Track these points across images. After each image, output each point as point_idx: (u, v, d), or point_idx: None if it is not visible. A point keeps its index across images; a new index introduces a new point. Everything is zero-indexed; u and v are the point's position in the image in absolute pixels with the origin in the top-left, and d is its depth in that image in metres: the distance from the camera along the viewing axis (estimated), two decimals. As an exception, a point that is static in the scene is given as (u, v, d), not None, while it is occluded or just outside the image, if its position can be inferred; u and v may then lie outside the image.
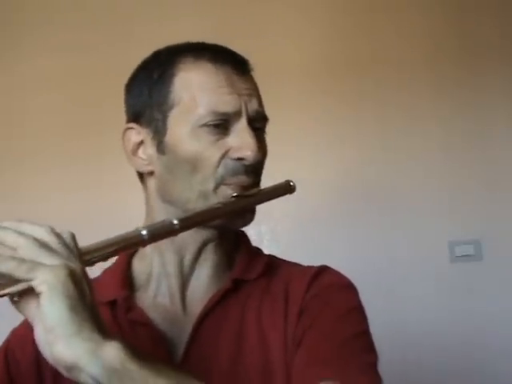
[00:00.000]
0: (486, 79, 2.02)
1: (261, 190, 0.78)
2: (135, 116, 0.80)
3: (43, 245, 0.55)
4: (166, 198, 0.79)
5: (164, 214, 0.78)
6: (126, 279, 0.81)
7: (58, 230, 0.58)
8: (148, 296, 0.80)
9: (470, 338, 1.90)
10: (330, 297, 0.76)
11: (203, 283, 0.79)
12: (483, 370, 1.89)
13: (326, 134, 1.96)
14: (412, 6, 2.06)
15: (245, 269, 0.80)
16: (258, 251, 0.86)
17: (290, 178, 0.82)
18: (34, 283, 0.52)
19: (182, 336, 0.75)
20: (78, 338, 0.51)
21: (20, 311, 0.56)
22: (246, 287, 0.79)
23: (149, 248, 0.78)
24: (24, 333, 0.76)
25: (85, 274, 0.56)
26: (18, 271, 0.52)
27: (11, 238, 0.55)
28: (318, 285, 0.77)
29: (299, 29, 2.04)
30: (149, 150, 0.79)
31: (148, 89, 0.78)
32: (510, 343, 1.91)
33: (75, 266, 0.55)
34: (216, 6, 2.09)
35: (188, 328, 0.75)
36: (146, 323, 0.76)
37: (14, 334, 0.81)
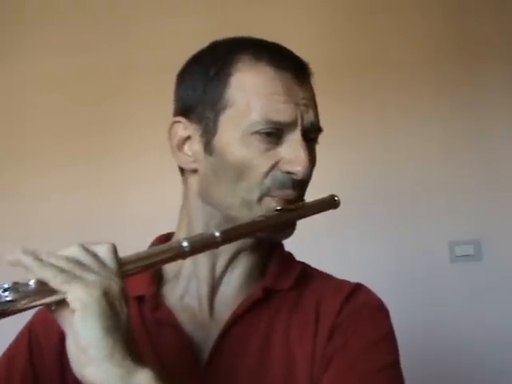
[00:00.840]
0: (485, 79, 2.02)
1: (305, 203, 0.76)
2: (185, 110, 0.77)
3: (78, 262, 0.54)
4: (207, 200, 0.76)
5: (202, 213, 0.76)
6: (155, 276, 0.79)
7: (93, 245, 0.57)
8: (175, 294, 0.78)
9: (471, 338, 1.90)
10: (362, 320, 0.74)
11: (233, 289, 0.77)
12: (483, 370, 1.89)
13: (325, 135, 1.96)
14: (412, 7, 2.06)
15: (276, 278, 0.78)
16: (290, 258, 0.83)
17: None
18: (67, 296, 0.51)
19: (207, 341, 0.74)
20: (109, 363, 0.50)
21: (57, 320, 0.55)
22: (277, 298, 0.76)
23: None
24: (49, 317, 0.75)
25: (123, 290, 0.55)
26: (55, 279, 0.51)
27: (54, 261, 0.53)
28: (351, 305, 0.75)
29: (299, 29, 2.04)
30: (195, 147, 0.76)
31: (203, 84, 0.75)
32: (511, 343, 1.91)
33: (112, 282, 0.54)
34: (216, 6, 2.09)
35: (214, 333, 0.74)
36: (172, 324, 0.75)
37: (39, 316, 0.78)
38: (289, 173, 0.72)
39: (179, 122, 0.77)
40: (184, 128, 0.76)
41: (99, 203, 2.01)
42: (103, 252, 0.56)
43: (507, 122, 2.01)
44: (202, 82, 0.75)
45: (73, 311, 0.51)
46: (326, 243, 1.92)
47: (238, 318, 0.74)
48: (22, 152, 2.10)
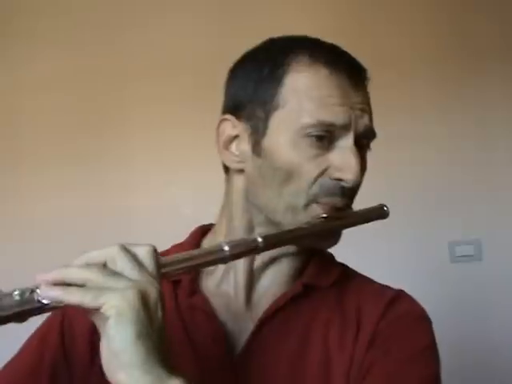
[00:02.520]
0: (486, 79, 2.02)
1: (353, 212, 0.74)
2: (234, 108, 0.74)
3: (111, 271, 0.53)
4: (252, 200, 0.74)
5: (246, 213, 0.75)
6: None
7: (133, 246, 0.55)
8: (212, 282, 0.77)
9: (471, 338, 1.90)
10: (404, 329, 0.72)
11: (272, 285, 0.75)
12: (484, 370, 1.88)
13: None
14: (413, 6, 2.06)
15: (317, 275, 0.76)
16: (332, 258, 0.82)
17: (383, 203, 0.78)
18: (103, 309, 0.51)
19: (242, 332, 0.72)
20: (140, 370, 0.50)
21: (92, 319, 0.54)
22: (317, 295, 0.75)
23: (221, 235, 0.76)
24: None
25: (160, 293, 0.54)
26: (86, 300, 0.51)
27: (76, 276, 0.53)
28: (393, 313, 0.73)
29: (299, 29, 2.04)
30: (243, 147, 0.73)
31: (255, 83, 0.72)
32: (511, 342, 1.91)
33: (149, 285, 0.53)
34: (216, 7, 2.09)
35: (250, 325, 0.72)
36: (207, 311, 0.73)
37: None
38: (338, 180, 0.70)
39: (228, 119, 0.75)
40: (232, 126, 0.74)
41: (99, 203, 2.01)
42: (143, 254, 0.55)
43: (507, 122, 2.01)
44: (254, 80, 0.73)
45: (107, 316, 0.51)
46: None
47: (275, 312, 0.72)
48: (21, 152, 2.10)
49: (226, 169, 0.78)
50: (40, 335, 0.75)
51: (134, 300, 0.51)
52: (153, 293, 0.53)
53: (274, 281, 0.75)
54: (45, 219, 2.00)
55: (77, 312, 0.72)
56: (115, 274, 0.53)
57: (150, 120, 2.02)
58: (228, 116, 0.75)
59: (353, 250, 1.95)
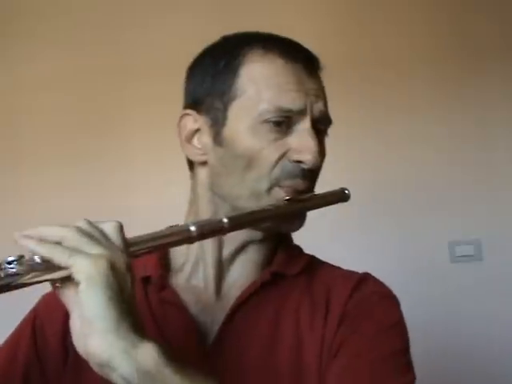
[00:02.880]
0: (486, 79, 2.02)
1: (314, 195, 0.75)
2: (194, 102, 0.77)
3: (86, 234, 0.54)
4: (216, 191, 0.76)
5: (211, 204, 0.76)
6: (162, 259, 0.79)
7: (100, 222, 0.57)
8: (182, 277, 0.78)
9: (471, 338, 1.90)
10: (371, 308, 0.74)
11: (241, 275, 0.77)
12: (484, 370, 1.88)
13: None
14: (411, 6, 2.06)
15: (285, 263, 0.77)
16: (299, 249, 0.83)
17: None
18: (72, 270, 0.51)
19: (213, 322, 0.74)
20: (114, 335, 0.50)
21: (60, 297, 0.55)
22: (286, 283, 0.76)
23: None
24: (55, 302, 0.74)
25: (128, 266, 0.55)
26: (58, 256, 0.52)
27: (54, 232, 0.54)
28: (360, 293, 0.75)
29: (299, 29, 2.04)
30: (204, 139, 0.75)
31: (212, 77, 0.75)
32: (511, 343, 1.91)
33: (118, 256, 0.54)
34: (216, 7, 2.09)
35: (221, 315, 0.73)
36: (177, 304, 0.75)
37: (45, 301, 0.79)
38: (298, 162, 0.72)
39: (188, 114, 0.77)
40: (193, 121, 0.76)
41: (99, 203, 2.01)
42: (110, 229, 0.56)
43: (508, 122, 2.01)
44: (211, 74, 0.75)
45: (78, 284, 0.51)
46: (326, 244, 1.92)
47: (245, 301, 0.74)
48: (21, 152, 2.10)
49: (191, 165, 0.80)
50: (13, 337, 0.77)
51: (103, 267, 0.51)
52: (121, 264, 0.54)
53: (242, 271, 0.77)
54: (45, 219, 1.98)
55: (48, 313, 0.75)
56: (92, 237, 0.54)
57: (150, 120, 2.02)
58: (188, 111, 0.77)
59: (353, 249, 1.96)
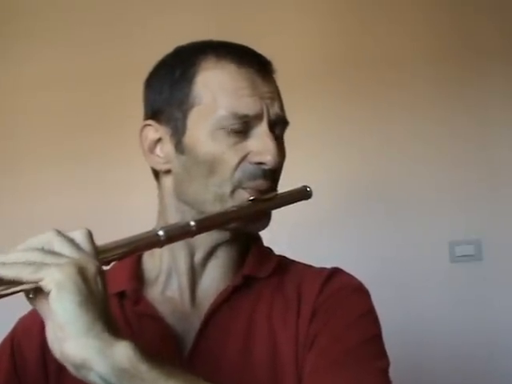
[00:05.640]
0: (487, 79, 2.02)
1: (277, 194, 0.77)
2: (154, 113, 0.79)
3: (49, 251, 0.54)
4: (182, 198, 0.78)
5: (179, 212, 0.78)
6: (135, 273, 0.80)
7: (69, 231, 0.57)
8: (157, 289, 0.79)
9: (471, 338, 1.90)
10: (342, 300, 0.76)
11: (214, 281, 0.78)
12: (484, 370, 1.88)
13: (326, 135, 1.96)
14: (414, 5, 2.06)
15: (256, 266, 0.79)
16: (269, 251, 0.85)
17: (305, 183, 0.81)
18: (42, 284, 0.52)
19: (190, 330, 0.75)
20: (87, 337, 0.51)
21: (36, 308, 0.55)
22: (257, 285, 0.78)
23: None
24: (31, 322, 0.76)
25: (99, 271, 0.55)
26: (25, 274, 0.52)
27: (15, 258, 0.54)
28: (330, 287, 0.77)
29: (300, 29, 2.04)
30: (166, 149, 0.78)
31: (169, 86, 0.77)
32: (511, 343, 1.91)
33: (87, 262, 0.54)
34: (217, 7, 2.09)
35: (197, 323, 0.75)
36: (153, 316, 0.76)
37: (22, 322, 0.80)
38: (259, 163, 0.74)
39: (149, 125, 0.80)
40: (154, 131, 0.79)
41: (98, 203, 2.01)
42: (79, 237, 0.57)
43: (509, 122, 2.00)
44: (168, 84, 0.77)
45: (49, 293, 0.52)
46: (326, 244, 1.91)
47: (219, 306, 0.75)
48: (20, 152, 2.10)
49: (156, 174, 0.82)
50: None
51: (72, 273, 0.52)
52: (91, 268, 0.54)
53: (215, 276, 0.79)
54: (44, 218, 1.99)
55: (25, 332, 0.77)
56: (54, 253, 0.54)
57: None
58: (149, 121, 0.80)
59: (353, 249, 1.96)
